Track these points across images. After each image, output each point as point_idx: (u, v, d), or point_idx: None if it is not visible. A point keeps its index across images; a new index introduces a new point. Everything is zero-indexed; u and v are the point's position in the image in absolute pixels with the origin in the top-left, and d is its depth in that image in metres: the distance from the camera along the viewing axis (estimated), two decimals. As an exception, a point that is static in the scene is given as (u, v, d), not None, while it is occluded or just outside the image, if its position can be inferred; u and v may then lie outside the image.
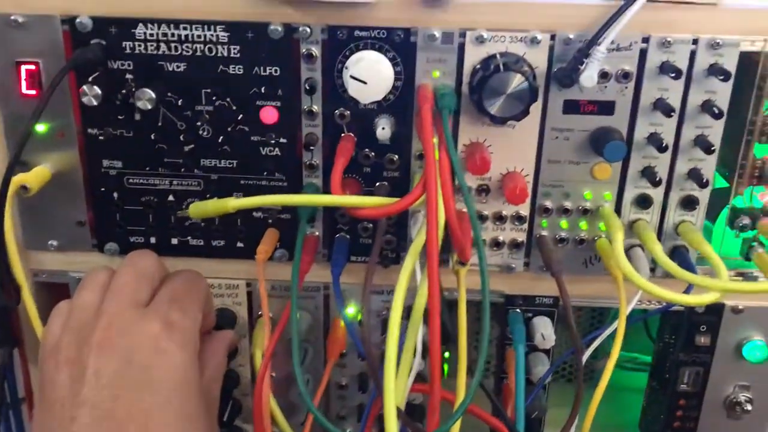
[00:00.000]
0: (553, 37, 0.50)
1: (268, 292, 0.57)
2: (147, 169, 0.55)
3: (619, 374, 0.77)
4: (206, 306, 0.49)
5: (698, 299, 0.47)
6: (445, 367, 0.76)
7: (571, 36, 0.49)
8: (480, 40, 0.50)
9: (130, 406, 0.41)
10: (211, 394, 0.49)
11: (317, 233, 0.56)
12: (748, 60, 0.51)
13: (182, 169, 0.54)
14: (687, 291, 0.51)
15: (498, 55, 0.49)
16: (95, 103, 0.51)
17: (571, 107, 0.52)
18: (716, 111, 0.50)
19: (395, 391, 0.45)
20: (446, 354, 0.74)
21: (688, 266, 0.53)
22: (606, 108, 0.51)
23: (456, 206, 0.54)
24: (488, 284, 0.44)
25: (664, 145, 0.51)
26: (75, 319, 0.45)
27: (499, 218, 0.55)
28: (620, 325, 0.50)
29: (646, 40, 0.50)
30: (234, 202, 0.47)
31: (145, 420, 0.41)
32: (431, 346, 0.44)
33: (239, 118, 0.53)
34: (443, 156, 0.45)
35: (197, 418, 0.44)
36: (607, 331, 0.52)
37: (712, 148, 0.51)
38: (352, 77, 0.49)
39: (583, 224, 0.55)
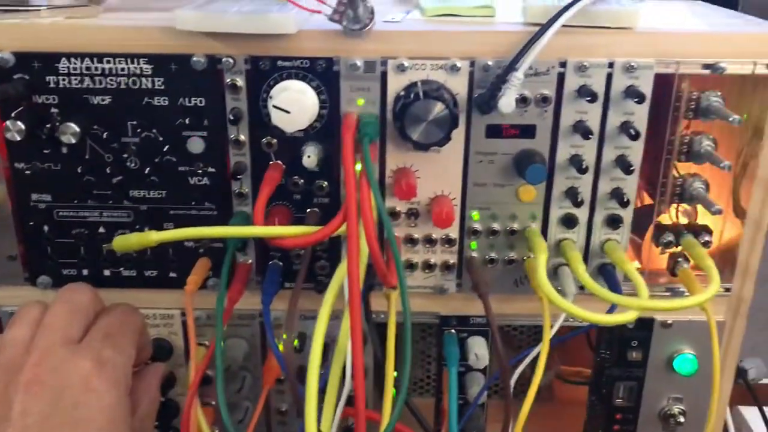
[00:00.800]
0: (472, 64, 0.51)
1: (203, 321, 0.58)
2: (76, 201, 0.54)
3: (564, 388, 0.78)
4: (141, 340, 0.49)
5: (615, 318, 0.48)
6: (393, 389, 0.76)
7: (490, 63, 0.50)
8: (401, 68, 0.50)
9: None
10: (145, 430, 0.49)
11: (250, 261, 0.56)
12: (664, 81, 0.52)
13: (111, 201, 0.54)
14: (612, 309, 0.52)
15: (419, 83, 0.50)
16: (18, 138, 0.51)
17: (494, 131, 0.53)
18: (633, 132, 0.51)
19: (324, 415, 0.45)
20: (395, 374, 0.74)
21: (614, 284, 0.54)
22: (527, 131, 0.52)
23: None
24: (409, 309, 0.45)
25: (584, 166, 0.52)
26: (4, 356, 0.45)
27: (430, 241, 0.56)
28: (543, 346, 0.51)
29: (563, 64, 0.51)
30: (156, 236, 0.47)
31: None
32: (354, 370, 0.45)
33: (166, 148, 0.53)
34: (364, 184, 0.46)
35: None
36: (534, 351, 0.53)
37: (631, 168, 0.52)
38: (275, 107, 0.49)
39: (512, 245, 0.56)
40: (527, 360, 0.53)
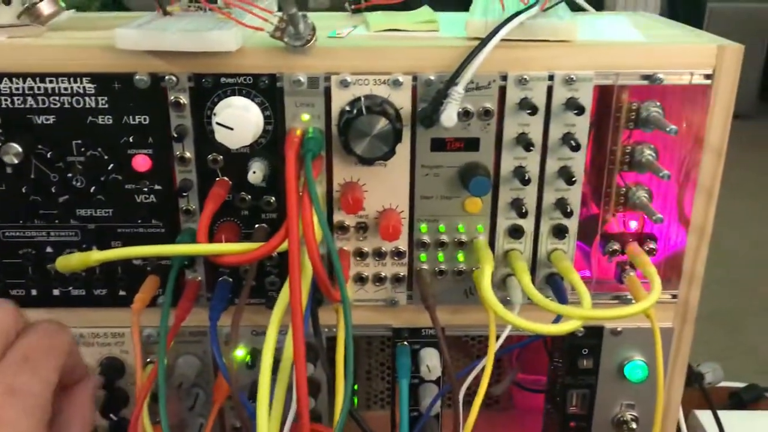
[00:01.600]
0: (415, 79, 0.51)
1: (155, 339, 0.58)
2: (22, 222, 0.54)
3: (523, 396, 0.78)
4: (69, 362, 0.44)
5: (558, 328, 0.49)
6: (355, 400, 0.76)
7: (432, 77, 0.51)
8: (344, 83, 0.51)
9: None
10: None
11: (199, 278, 0.56)
12: (604, 93, 0.53)
13: (58, 221, 0.54)
14: (558, 319, 0.53)
15: (362, 98, 0.51)
16: (-40, 159, 0.50)
17: (439, 145, 0.53)
18: (574, 144, 0.52)
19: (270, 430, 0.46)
20: (355, 387, 0.75)
21: (561, 294, 0.55)
22: (471, 144, 0.53)
23: (338, 245, 0.55)
24: (351, 322, 0.45)
25: (526, 178, 0.53)
26: None
27: (379, 254, 0.56)
28: (489, 358, 0.51)
29: (504, 78, 0.52)
30: (96, 255, 0.47)
31: None
32: (297, 386, 0.45)
33: (111, 167, 0.53)
34: (306, 199, 0.46)
35: None
36: (482, 363, 0.53)
37: (573, 179, 0.53)
38: (218, 123, 0.49)
39: (461, 256, 0.56)
40: (475, 371, 0.54)
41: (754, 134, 3.64)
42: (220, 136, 0.49)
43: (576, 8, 0.67)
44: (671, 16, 3.67)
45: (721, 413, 0.75)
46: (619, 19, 0.61)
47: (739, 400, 0.83)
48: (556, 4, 0.55)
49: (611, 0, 3.33)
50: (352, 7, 0.65)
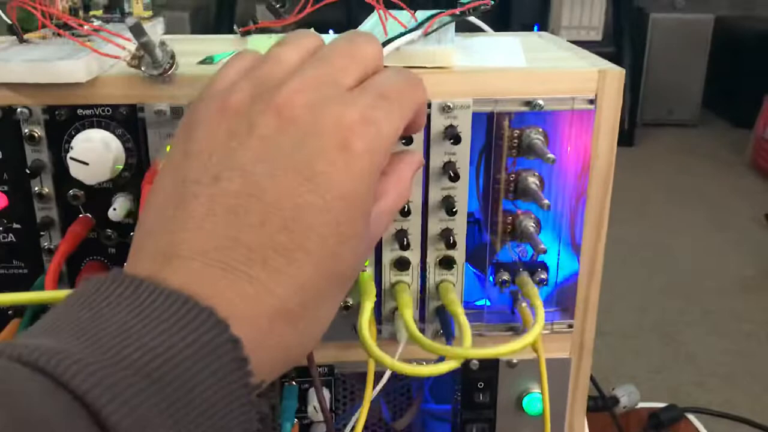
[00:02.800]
0: (286, 107, 0.49)
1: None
2: None
3: (434, 427, 0.76)
4: (415, 122, 0.39)
5: (432, 369, 0.46)
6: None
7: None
8: (210, 113, 0.48)
9: (283, 193, 0.32)
10: (380, 226, 0.38)
11: (66, 320, 0.53)
12: (485, 120, 0.51)
13: None
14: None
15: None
16: None
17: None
18: (452, 174, 0.50)
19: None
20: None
21: (448, 327, 0.53)
22: (349, 175, 0.51)
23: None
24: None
25: (406, 209, 0.51)
26: (263, 70, 0.36)
27: (260, 291, 0.53)
28: (365, 403, 0.49)
29: (379, 105, 0.49)
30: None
31: (293, 216, 0.32)
32: None
33: (-37, 206, 0.49)
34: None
35: (354, 244, 0.34)
36: (358, 411, 0.51)
37: (454, 210, 0.51)
38: (71, 158, 0.46)
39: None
40: (355, 416, 0.51)
41: (699, 142, 3.70)
42: (75, 171, 0.47)
43: (474, 29, 0.66)
44: (616, 27, 3.72)
45: (634, 438, 0.74)
46: (510, 42, 0.60)
47: (658, 422, 0.82)
48: (441, 27, 0.53)
49: (556, 13, 3.36)
50: (240, 29, 0.62)
